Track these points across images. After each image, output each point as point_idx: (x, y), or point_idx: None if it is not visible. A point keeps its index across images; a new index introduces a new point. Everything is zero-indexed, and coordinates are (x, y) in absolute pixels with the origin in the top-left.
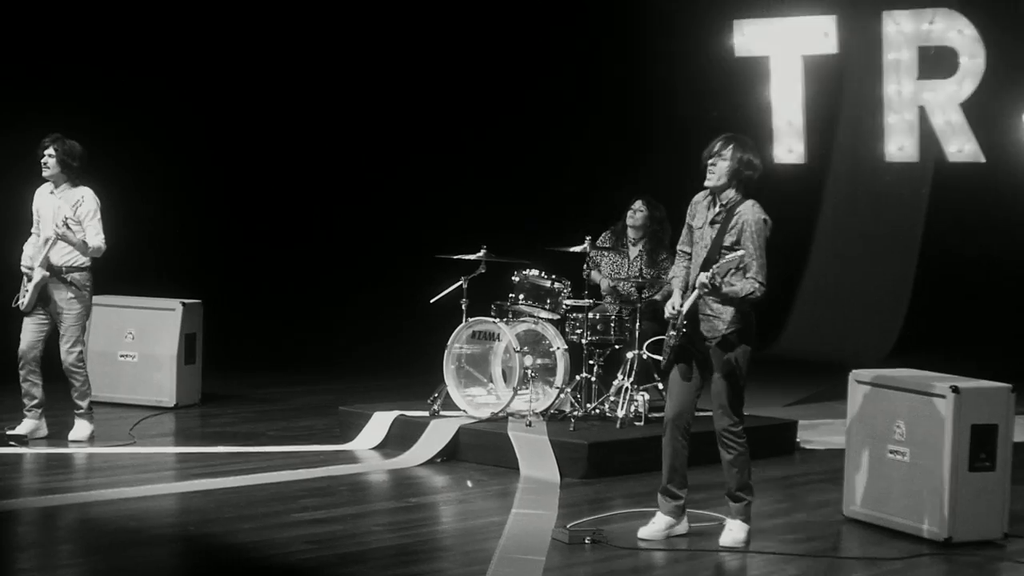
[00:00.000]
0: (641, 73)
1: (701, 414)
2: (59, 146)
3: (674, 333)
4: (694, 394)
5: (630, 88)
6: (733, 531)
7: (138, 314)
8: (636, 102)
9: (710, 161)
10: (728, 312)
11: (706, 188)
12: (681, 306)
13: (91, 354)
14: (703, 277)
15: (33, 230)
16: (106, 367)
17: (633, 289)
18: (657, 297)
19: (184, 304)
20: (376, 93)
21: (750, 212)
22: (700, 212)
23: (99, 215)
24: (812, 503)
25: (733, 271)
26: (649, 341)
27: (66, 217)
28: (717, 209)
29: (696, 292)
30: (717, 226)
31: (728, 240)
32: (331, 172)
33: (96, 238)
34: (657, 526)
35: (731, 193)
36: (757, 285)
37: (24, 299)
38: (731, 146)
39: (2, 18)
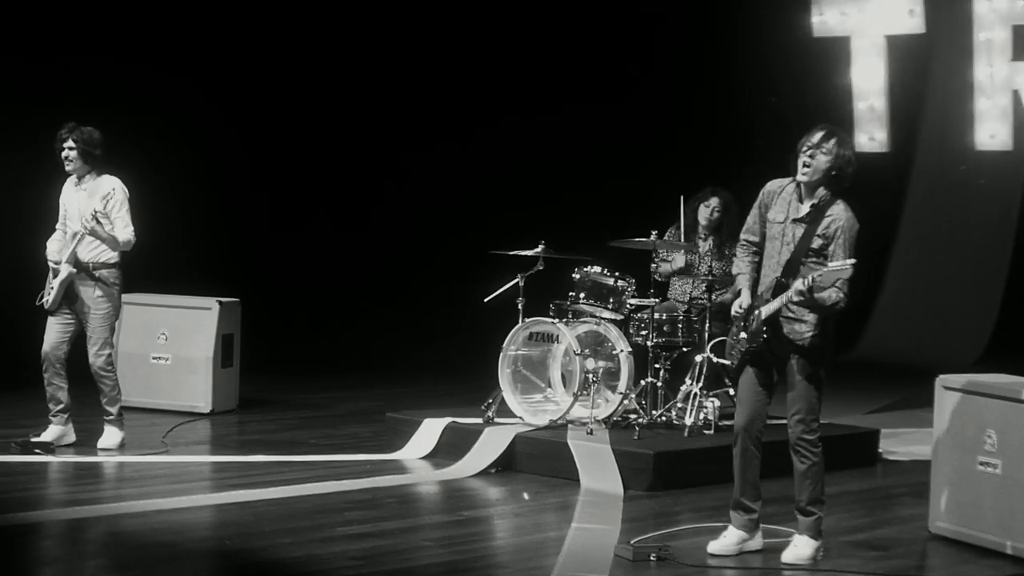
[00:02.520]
0: (714, 55)
1: (774, 422)
2: (77, 136)
3: (744, 335)
4: (766, 401)
5: (702, 72)
6: (799, 547)
7: (172, 313)
8: (708, 87)
9: (808, 153)
10: (812, 315)
11: (795, 180)
12: (758, 309)
13: (122, 356)
14: (800, 284)
15: (58, 226)
16: (138, 370)
17: (703, 287)
18: (728, 296)
19: (221, 303)
20: (431, 80)
21: (844, 216)
22: (780, 204)
23: (127, 206)
24: (895, 518)
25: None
26: (713, 342)
27: (95, 211)
28: (807, 207)
29: (785, 297)
30: (804, 226)
31: (816, 243)
32: (379, 163)
33: (125, 230)
34: (728, 540)
35: (822, 191)
36: (842, 296)
37: (49, 297)
38: (833, 140)
39: (30, 15)
